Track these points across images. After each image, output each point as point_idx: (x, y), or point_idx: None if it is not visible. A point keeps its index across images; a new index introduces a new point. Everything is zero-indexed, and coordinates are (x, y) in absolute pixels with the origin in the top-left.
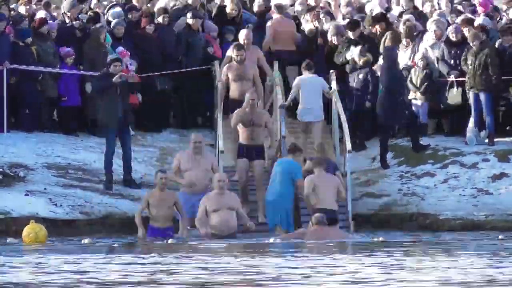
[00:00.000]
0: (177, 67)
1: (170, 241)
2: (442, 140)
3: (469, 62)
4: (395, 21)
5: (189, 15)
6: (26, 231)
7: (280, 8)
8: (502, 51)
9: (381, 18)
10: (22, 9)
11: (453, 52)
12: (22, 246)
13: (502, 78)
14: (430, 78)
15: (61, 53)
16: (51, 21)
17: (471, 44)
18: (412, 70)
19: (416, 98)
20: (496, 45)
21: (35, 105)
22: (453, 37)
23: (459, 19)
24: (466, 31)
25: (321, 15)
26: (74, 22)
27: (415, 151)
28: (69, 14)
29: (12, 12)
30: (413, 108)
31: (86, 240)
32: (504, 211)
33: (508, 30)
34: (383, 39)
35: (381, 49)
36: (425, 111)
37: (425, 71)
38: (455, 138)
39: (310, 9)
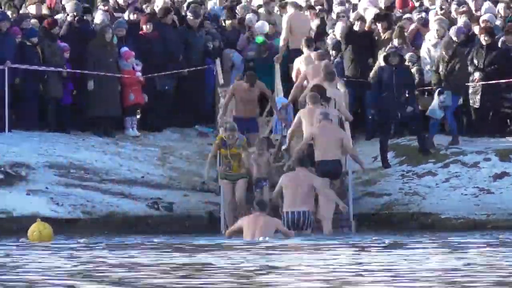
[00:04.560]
0: (178, 67)
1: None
2: (443, 140)
3: (441, 67)
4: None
5: (189, 13)
6: (31, 229)
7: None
8: (506, 50)
9: (384, 17)
10: (32, 9)
11: None
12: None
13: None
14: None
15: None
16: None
17: (443, 52)
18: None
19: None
20: (499, 44)
21: (36, 105)
22: (455, 38)
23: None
24: (476, 29)
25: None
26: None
27: (422, 154)
28: (71, 16)
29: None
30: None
31: (82, 240)
32: (506, 210)
33: None
34: (383, 37)
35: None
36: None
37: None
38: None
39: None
